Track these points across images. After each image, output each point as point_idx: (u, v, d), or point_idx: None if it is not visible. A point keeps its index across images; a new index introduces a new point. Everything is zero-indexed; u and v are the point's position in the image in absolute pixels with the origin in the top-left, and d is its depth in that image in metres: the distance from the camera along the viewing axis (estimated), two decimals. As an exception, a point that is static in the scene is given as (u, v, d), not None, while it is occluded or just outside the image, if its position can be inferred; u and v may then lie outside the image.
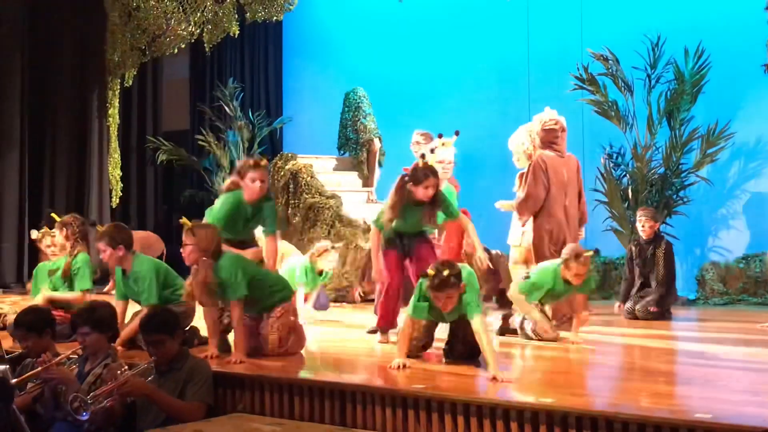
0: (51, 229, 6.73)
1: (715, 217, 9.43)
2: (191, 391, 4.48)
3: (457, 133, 6.51)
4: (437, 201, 5.62)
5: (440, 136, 6.53)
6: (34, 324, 4.84)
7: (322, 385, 4.49)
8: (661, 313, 7.31)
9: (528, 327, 5.88)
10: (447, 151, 6.55)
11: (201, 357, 4.95)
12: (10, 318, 6.53)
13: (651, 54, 9.01)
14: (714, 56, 8.84)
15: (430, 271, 4.65)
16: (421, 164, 5.56)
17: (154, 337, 4.51)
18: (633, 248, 7.68)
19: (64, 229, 6.36)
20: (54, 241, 6.42)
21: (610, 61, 9.11)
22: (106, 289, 10.49)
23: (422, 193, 5.51)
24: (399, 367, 4.68)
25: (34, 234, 6.69)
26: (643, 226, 7.61)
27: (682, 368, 4.87)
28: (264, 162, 5.68)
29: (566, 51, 10.29)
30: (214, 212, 5.78)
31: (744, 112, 9.22)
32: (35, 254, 9.71)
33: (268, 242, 5.74)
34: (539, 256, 6.46)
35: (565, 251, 5.76)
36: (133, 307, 5.88)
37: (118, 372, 4.40)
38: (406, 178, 5.57)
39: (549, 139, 6.68)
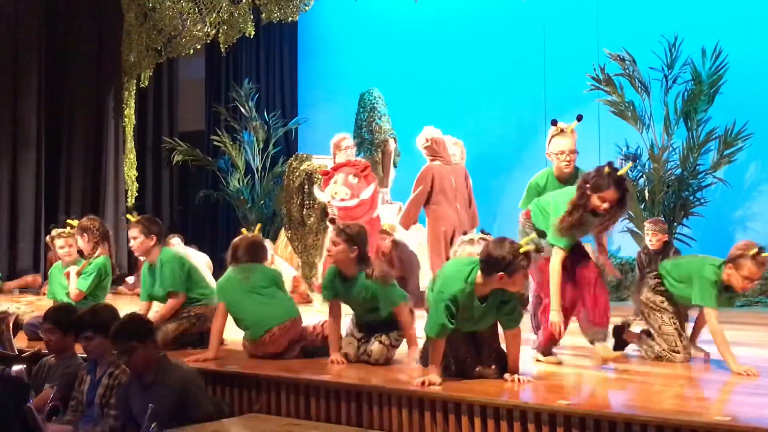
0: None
1: (732, 219, 9.38)
2: (195, 407, 4.21)
3: (579, 118, 5.45)
4: (613, 215, 4.82)
5: (554, 122, 5.43)
6: (61, 321, 4.85)
7: (339, 386, 4.47)
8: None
9: (649, 341, 5.05)
10: (565, 141, 5.42)
11: (188, 362, 4.88)
12: (26, 318, 6.56)
13: (668, 54, 8.98)
14: (731, 57, 8.80)
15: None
16: (607, 170, 4.70)
17: (124, 346, 4.23)
18: (642, 256, 7.55)
19: (85, 234, 6.35)
20: (68, 242, 6.40)
21: (627, 62, 9.08)
22: (132, 282, 10.54)
23: (598, 203, 4.72)
24: (429, 384, 4.20)
25: (51, 235, 6.65)
26: (650, 240, 7.47)
27: (699, 370, 4.83)
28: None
29: (583, 51, 10.25)
30: None
31: (762, 113, 9.15)
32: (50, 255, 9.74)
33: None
34: (433, 256, 7.13)
35: (738, 246, 4.76)
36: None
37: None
38: (587, 184, 4.76)
39: (432, 153, 7.63)
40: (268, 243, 7.71)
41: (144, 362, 4.24)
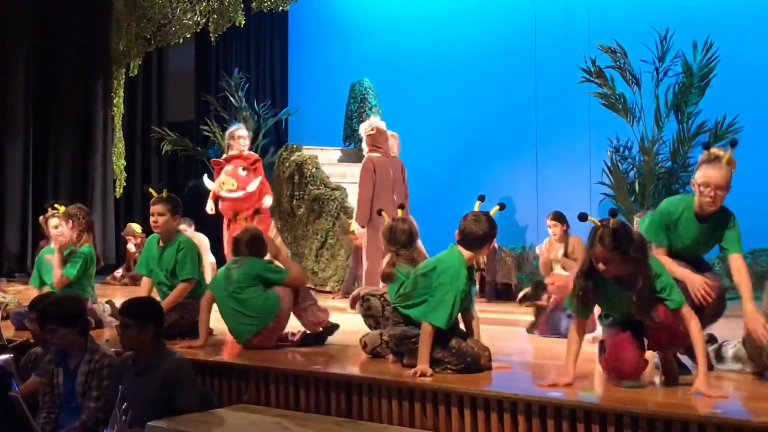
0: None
1: (722, 211, 9.36)
2: (180, 397, 4.19)
3: (734, 144, 4.61)
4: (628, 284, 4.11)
5: (707, 146, 4.61)
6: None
7: (328, 377, 4.46)
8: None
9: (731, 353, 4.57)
10: (715, 172, 4.39)
11: (179, 350, 4.90)
12: (12, 307, 6.53)
13: (659, 47, 8.96)
14: (722, 50, 8.77)
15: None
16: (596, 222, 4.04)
17: (123, 320, 4.26)
18: None
19: (71, 221, 6.32)
20: (62, 222, 6.38)
21: (618, 54, 9.06)
22: (119, 275, 10.50)
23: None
24: (420, 374, 4.22)
25: (44, 216, 6.64)
26: None
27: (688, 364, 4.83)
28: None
29: (574, 43, 10.24)
30: None
31: (752, 106, 9.15)
32: (38, 243, 9.68)
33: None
34: (371, 246, 7.24)
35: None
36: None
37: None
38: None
39: (372, 143, 7.54)
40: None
41: (134, 343, 4.24)
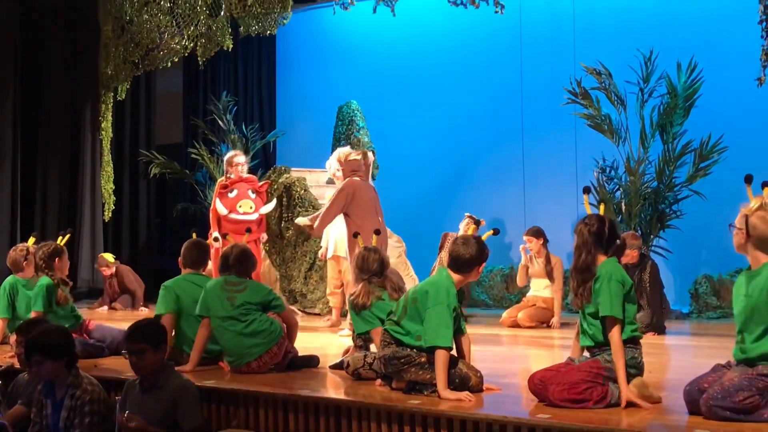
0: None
1: (708, 231, 9.44)
2: (185, 417, 4.29)
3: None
4: None
5: (749, 179, 4.25)
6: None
7: (317, 401, 4.46)
8: (654, 333, 7.31)
9: None
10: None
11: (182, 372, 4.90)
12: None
13: (643, 68, 9.04)
14: (706, 70, 8.87)
15: None
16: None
17: (137, 346, 4.36)
18: None
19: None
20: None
21: (603, 75, 9.14)
22: (104, 309, 10.46)
23: None
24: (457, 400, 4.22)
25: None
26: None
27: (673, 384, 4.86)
28: None
29: (559, 65, 10.34)
30: None
31: (736, 126, 9.25)
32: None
33: None
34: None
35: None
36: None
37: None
38: None
39: (352, 168, 7.51)
40: None
41: (150, 367, 4.33)
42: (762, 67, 7.37)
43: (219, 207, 8.39)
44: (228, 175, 8.67)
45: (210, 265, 6.65)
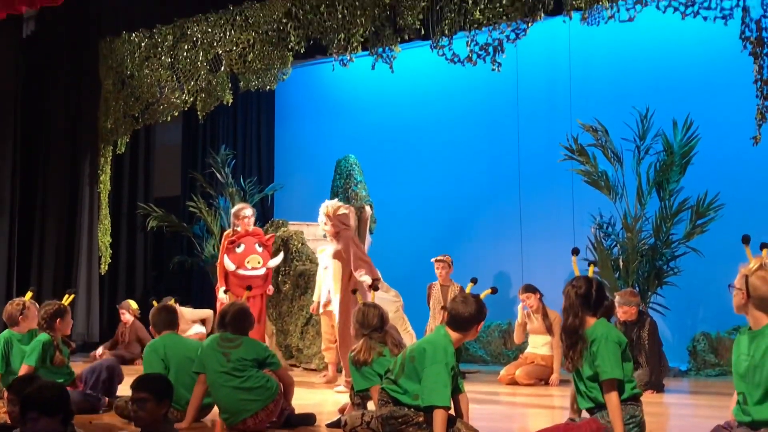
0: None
1: (706, 288, 9.42)
2: None
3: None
4: None
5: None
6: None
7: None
8: (653, 391, 7.27)
9: None
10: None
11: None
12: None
13: (640, 125, 9.11)
14: (702, 128, 8.93)
15: None
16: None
17: (140, 395, 4.33)
18: (619, 326, 7.57)
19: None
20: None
21: (600, 132, 9.21)
22: (99, 353, 10.43)
23: None
24: None
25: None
26: (617, 312, 7.55)
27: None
28: None
29: (556, 121, 10.42)
30: None
31: (733, 183, 9.28)
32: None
33: None
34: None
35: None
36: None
37: None
38: None
39: (342, 221, 7.56)
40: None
41: (150, 418, 4.29)
42: (757, 126, 7.41)
43: (227, 263, 8.36)
44: (235, 228, 8.65)
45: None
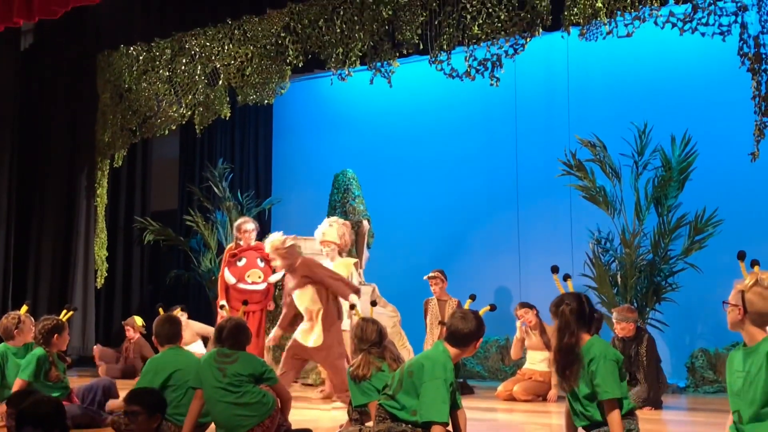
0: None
1: (704, 304, 9.40)
2: None
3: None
4: None
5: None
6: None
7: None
8: (651, 408, 7.24)
9: None
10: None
11: None
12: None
13: (638, 141, 9.10)
14: (701, 144, 8.93)
15: None
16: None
17: (132, 408, 4.34)
18: (617, 343, 7.57)
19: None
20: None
21: (598, 148, 9.20)
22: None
23: None
24: None
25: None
26: (614, 328, 7.56)
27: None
28: None
29: (554, 137, 10.42)
30: None
31: (731, 199, 9.27)
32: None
33: None
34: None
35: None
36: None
37: None
38: None
39: (292, 251, 7.52)
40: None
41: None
42: (756, 142, 7.41)
43: (227, 276, 8.35)
44: (237, 242, 8.64)
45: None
